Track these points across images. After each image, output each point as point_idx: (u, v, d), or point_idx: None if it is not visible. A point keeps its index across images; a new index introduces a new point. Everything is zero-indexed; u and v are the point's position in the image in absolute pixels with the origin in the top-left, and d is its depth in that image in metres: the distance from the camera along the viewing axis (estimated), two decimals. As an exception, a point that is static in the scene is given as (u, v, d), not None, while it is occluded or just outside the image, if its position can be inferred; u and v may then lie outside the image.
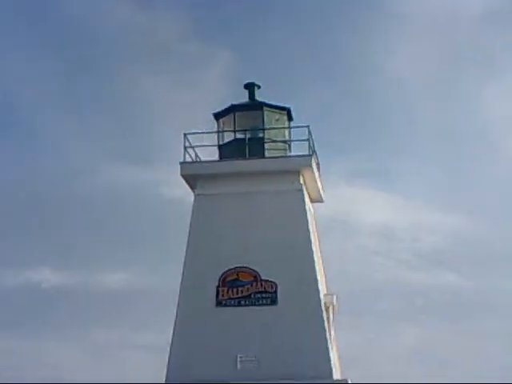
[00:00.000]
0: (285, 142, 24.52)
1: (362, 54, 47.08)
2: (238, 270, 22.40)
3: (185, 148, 23.94)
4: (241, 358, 21.44)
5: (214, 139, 24.69)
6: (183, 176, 23.79)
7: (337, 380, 21.51)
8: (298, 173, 23.28)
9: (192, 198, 23.81)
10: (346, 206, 42.29)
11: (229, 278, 22.37)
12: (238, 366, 21.39)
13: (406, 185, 46.85)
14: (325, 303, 22.43)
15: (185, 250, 23.03)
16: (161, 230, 40.36)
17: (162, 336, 25.11)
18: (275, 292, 22.07)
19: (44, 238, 45.55)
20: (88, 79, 47.79)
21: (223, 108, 24.72)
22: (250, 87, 24.94)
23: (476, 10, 48.27)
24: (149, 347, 37.54)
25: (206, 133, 24.50)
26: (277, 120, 24.52)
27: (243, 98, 25.17)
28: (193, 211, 23.40)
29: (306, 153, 23.66)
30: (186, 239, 23.17)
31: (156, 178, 44.23)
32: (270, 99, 24.74)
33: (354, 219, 45.59)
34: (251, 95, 24.93)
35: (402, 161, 47.39)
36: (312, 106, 40.23)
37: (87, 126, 48.28)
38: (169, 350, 21.91)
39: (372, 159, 45.63)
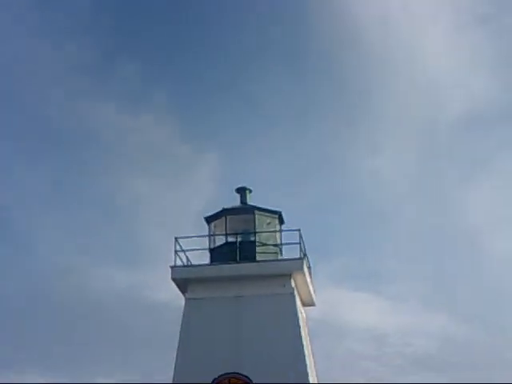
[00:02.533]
0: (276, 245, 24.53)
1: (347, 156, 47.80)
2: (229, 376, 22.03)
3: (175, 252, 23.90)
4: None
5: (205, 242, 24.72)
6: (174, 280, 23.67)
7: None
8: (289, 276, 23.21)
9: (182, 301, 23.62)
10: (335, 309, 42.09)
11: (220, 385, 21.98)
12: None
13: (395, 288, 46.77)
14: (318, 410, 22.03)
15: (175, 354, 22.68)
16: (150, 334, 39.91)
17: None
18: (267, 399, 21.65)
19: (32, 343, 44.89)
20: (77, 182, 48.18)
21: (215, 212, 24.84)
22: (242, 191, 25.17)
23: (458, 113, 49.37)
24: None
25: (197, 236, 24.52)
26: (268, 223, 24.65)
27: (234, 200, 25.42)
28: (183, 315, 23.20)
29: (297, 256, 23.63)
30: (177, 343, 22.83)
31: (145, 281, 44.11)
32: (259, 202, 24.99)
33: (346, 322, 45.23)
34: (243, 199, 25.14)
35: (390, 263, 47.47)
36: (300, 208, 40.50)
37: (76, 228, 48.33)
38: None
39: (361, 261, 45.66)
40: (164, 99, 48.70)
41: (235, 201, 25.42)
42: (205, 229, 25.02)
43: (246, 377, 21.92)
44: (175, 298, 24.78)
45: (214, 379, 22.01)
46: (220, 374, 22.04)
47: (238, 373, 22.02)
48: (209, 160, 46.94)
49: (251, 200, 25.30)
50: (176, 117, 48.04)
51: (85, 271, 47.50)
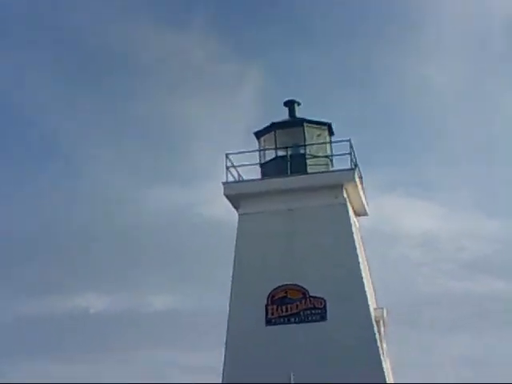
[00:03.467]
0: (327, 157, 24.46)
1: (397, 67, 47.10)
2: (286, 288, 22.34)
3: (227, 168, 23.96)
4: (294, 375, 21.30)
5: (255, 158, 24.77)
6: (226, 196, 23.81)
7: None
8: (341, 187, 23.18)
9: (235, 217, 23.84)
10: (388, 217, 42.17)
11: (277, 296, 22.32)
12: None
13: (447, 194, 46.64)
14: (375, 317, 22.27)
15: (231, 269, 23.04)
16: (205, 250, 40.49)
17: (212, 356, 25.19)
18: (324, 308, 21.97)
19: (90, 264, 45.97)
20: (125, 104, 48.37)
21: (264, 126, 24.75)
22: (290, 104, 24.94)
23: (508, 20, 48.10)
24: (199, 368, 37.56)
25: (248, 152, 24.51)
26: (318, 135, 24.52)
27: (283, 114, 25.19)
28: (238, 231, 23.41)
29: (348, 166, 23.57)
30: (232, 259, 23.16)
31: (197, 198, 44.54)
32: (308, 115, 24.77)
33: (398, 230, 45.35)
34: (291, 112, 24.93)
35: (441, 170, 47.22)
36: (349, 119, 40.20)
37: (127, 151, 48.85)
38: (221, 370, 21.90)
39: (412, 169, 45.38)
40: (205, 16, 48.25)
41: (284, 115, 25.25)
42: (254, 145, 25.06)
43: (303, 287, 22.23)
44: (228, 213, 25.08)
45: (271, 291, 22.36)
46: (277, 285, 22.37)
47: (294, 284, 22.32)
48: (254, 76, 46.63)
49: (300, 113, 25.06)
50: (219, 34, 47.65)
51: (138, 191, 48.23)
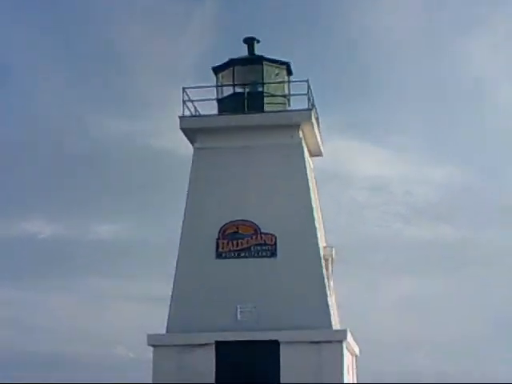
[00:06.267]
0: (284, 96, 24.59)
1: (350, 9, 47.08)
2: (237, 223, 22.65)
3: (183, 102, 23.93)
4: (241, 308, 21.80)
5: (212, 93, 24.75)
6: (183, 130, 23.88)
7: (336, 329, 21.98)
8: (297, 127, 23.39)
9: (190, 151, 23.95)
10: (341, 159, 42.68)
11: (228, 231, 22.63)
12: (238, 316, 21.74)
13: (398, 138, 47.27)
14: (324, 255, 22.77)
15: (184, 202, 23.24)
16: (158, 182, 40.66)
17: (160, 287, 25.57)
18: (275, 244, 22.35)
19: (38, 190, 45.83)
20: (78, 29, 47.71)
21: (222, 62, 24.70)
22: (250, 41, 24.86)
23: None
24: (145, 298, 38.09)
25: (205, 87, 24.54)
26: (276, 74, 24.57)
27: (241, 51, 25.08)
28: (192, 165, 23.55)
29: (306, 107, 23.75)
30: (185, 192, 23.34)
31: (149, 129, 44.53)
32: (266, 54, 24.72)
33: (350, 172, 46.00)
34: (250, 50, 24.88)
35: (393, 114, 47.77)
36: (304, 59, 40.20)
37: (77, 76, 48.31)
38: (169, 301, 22.26)
39: (364, 113, 45.76)
40: None
41: (242, 52, 25.10)
42: (210, 79, 24.96)
43: (254, 223, 22.58)
44: (182, 147, 25.20)
45: (223, 225, 22.64)
46: (229, 220, 22.67)
47: (246, 220, 22.66)
48: (208, 7, 46.22)
49: (258, 51, 24.94)
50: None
51: (86, 119, 47.90)
